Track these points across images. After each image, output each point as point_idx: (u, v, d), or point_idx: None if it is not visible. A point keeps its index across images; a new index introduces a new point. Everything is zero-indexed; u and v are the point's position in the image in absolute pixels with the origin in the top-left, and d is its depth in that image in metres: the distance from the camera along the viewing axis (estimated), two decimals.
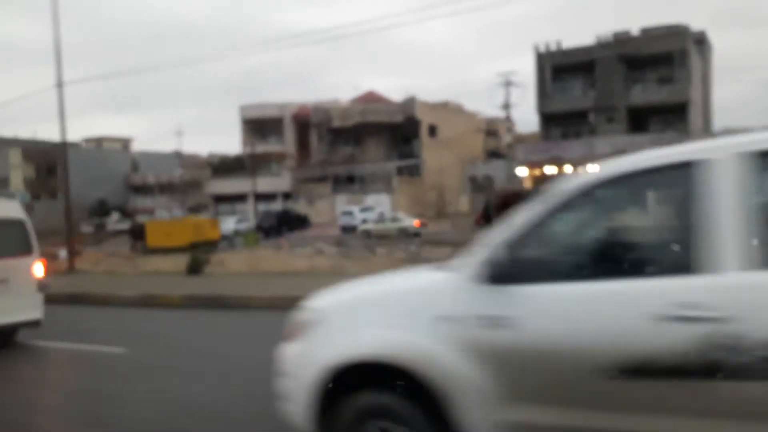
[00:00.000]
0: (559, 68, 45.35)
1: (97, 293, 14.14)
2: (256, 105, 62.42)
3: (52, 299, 10.10)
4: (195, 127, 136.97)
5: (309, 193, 54.98)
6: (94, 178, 65.60)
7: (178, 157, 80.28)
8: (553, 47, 45.91)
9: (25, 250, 9.39)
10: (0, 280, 8.80)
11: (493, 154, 61.24)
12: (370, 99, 60.23)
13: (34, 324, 9.19)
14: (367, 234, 35.37)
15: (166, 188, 69.21)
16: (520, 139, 63.99)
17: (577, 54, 45.07)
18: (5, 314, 8.75)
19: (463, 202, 53.46)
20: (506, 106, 46.54)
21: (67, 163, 23.37)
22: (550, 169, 41.24)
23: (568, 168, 40.52)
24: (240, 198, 57.34)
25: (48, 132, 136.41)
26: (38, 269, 9.50)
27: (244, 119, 63.01)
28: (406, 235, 36.77)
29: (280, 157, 61.62)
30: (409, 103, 53.53)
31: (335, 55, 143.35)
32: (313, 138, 60.41)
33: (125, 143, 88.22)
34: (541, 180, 41.11)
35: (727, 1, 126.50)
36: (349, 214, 43.72)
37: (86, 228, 52.59)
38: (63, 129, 21.72)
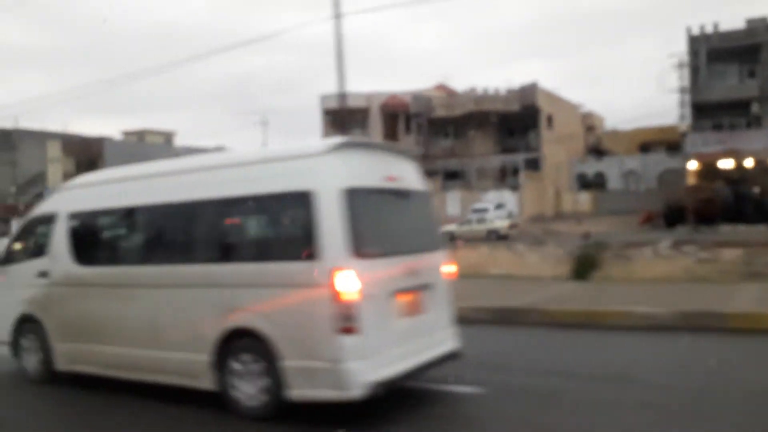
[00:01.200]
0: (715, 53, 41.16)
1: None
2: (339, 94, 57.57)
3: None
4: (231, 123, 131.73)
5: None
6: None
7: (221, 152, 75.14)
8: (709, 30, 41.67)
9: (438, 239, 6.68)
10: (424, 287, 5.96)
11: (595, 151, 57.04)
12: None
13: (451, 358, 6.18)
14: (451, 236, 30.21)
15: None
16: (615, 135, 59.84)
17: (735, 37, 40.90)
18: (433, 343, 5.93)
19: (582, 201, 49.17)
20: (681, 90, 42.01)
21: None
22: (725, 163, 36.94)
23: (748, 161, 36.29)
24: None
25: (81, 126, 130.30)
26: (449, 269, 6.47)
27: (325, 110, 58.12)
28: (497, 237, 32.75)
29: None
30: (529, 90, 48.99)
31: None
32: (402, 130, 55.79)
33: (168, 137, 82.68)
34: (715, 175, 36.84)
35: None
36: (483, 211, 38.96)
37: None
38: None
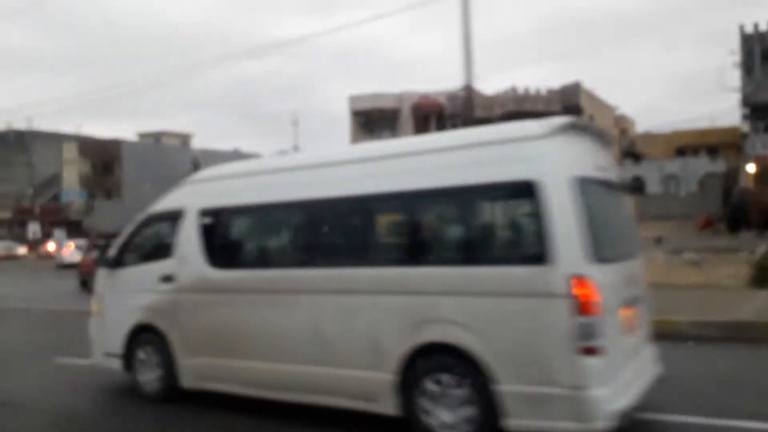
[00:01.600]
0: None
1: None
2: (369, 95, 56.16)
3: None
4: (245, 126, 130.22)
5: None
6: (153, 176, 58.88)
7: (238, 155, 73.63)
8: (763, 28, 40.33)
9: (638, 243, 5.94)
10: (638, 299, 5.18)
11: (630, 154, 55.64)
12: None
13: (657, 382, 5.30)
14: None
15: None
16: (649, 138, 58.48)
17: None
18: (645, 365, 5.16)
19: None
20: (736, 89, 40.58)
21: None
22: None
23: None
24: None
25: (94, 128, 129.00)
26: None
27: (354, 111, 56.78)
28: None
29: None
30: (573, 89, 47.60)
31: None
32: (434, 131, 54.36)
33: (185, 139, 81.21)
34: None
35: None
36: None
37: None
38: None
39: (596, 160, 5.08)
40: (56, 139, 72.68)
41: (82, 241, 35.70)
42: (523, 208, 4.71)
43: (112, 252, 7.12)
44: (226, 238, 6.35)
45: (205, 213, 6.28)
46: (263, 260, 6.20)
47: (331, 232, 5.69)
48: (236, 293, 5.93)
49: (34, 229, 62.78)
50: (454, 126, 52.94)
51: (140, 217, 7.08)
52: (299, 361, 5.44)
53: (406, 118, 55.62)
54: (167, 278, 6.39)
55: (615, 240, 5.15)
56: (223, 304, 5.99)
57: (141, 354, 6.60)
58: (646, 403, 4.92)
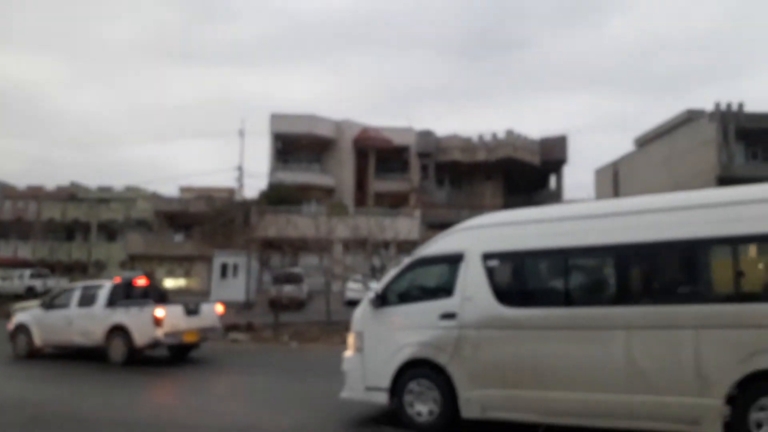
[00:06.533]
0: None
1: None
2: (298, 116, 45.73)
3: None
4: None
5: None
6: None
7: None
8: None
9: None
10: None
11: None
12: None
13: None
14: None
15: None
16: None
17: None
18: None
19: None
20: None
21: None
22: None
23: None
24: None
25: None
26: None
27: (275, 133, 45.62)
28: None
29: (322, 193, 46.09)
30: (557, 143, 45.07)
31: None
32: (372, 170, 46.74)
33: None
34: None
35: None
36: None
37: None
38: None
39: None
40: None
41: None
42: None
43: (377, 292, 7.42)
44: (519, 279, 6.85)
45: (489, 256, 6.81)
46: (566, 299, 6.44)
47: (639, 274, 6.31)
48: (533, 330, 6.36)
49: None
50: (424, 166, 46.32)
51: (407, 260, 7.58)
52: (613, 390, 5.89)
53: (346, 152, 46.61)
54: (448, 315, 6.79)
55: None
56: (520, 340, 6.38)
57: (415, 387, 6.92)
58: None
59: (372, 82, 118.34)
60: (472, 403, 6.50)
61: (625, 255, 6.11)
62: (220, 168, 73.28)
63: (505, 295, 6.54)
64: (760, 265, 5.73)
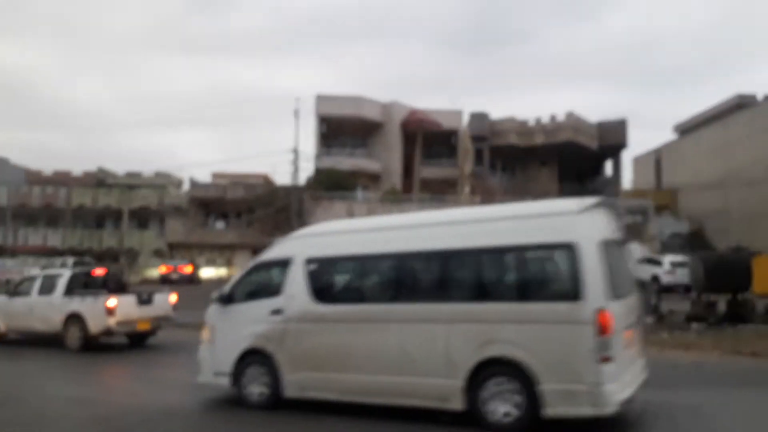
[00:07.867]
0: None
1: None
2: (333, 97, 43.55)
3: None
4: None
5: None
6: None
7: None
8: None
9: (633, 284, 7.87)
10: (633, 324, 7.13)
11: None
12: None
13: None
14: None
15: None
16: None
17: None
18: (637, 371, 7.08)
19: None
20: None
21: None
22: None
23: None
24: None
25: None
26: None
27: (321, 116, 43.48)
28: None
29: (368, 179, 44.07)
30: (617, 126, 43.14)
31: None
32: (419, 153, 44.66)
33: None
34: None
35: None
36: (656, 263, 31.36)
37: None
38: None
39: (612, 224, 7.01)
40: None
41: None
42: (564, 262, 6.42)
43: (224, 291, 8.43)
44: (329, 280, 7.96)
45: (309, 261, 7.90)
46: (359, 297, 7.72)
47: (413, 277, 7.38)
48: (336, 323, 7.50)
49: None
50: (478, 150, 44.36)
51: (250, 264, 8.65)
52: (389, 373, 7.05)
53: (394, 135, 44.56)
54: (276, 311, 7.89)
55: (620, 282, 6.62)
56: (325, 331, 7.53)
57: (249, 372, 7.98)
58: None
59: (369, 72, 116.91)
60: (293, 384, 7.63)
61: (400, 261, 7.37)
62: (261, 153, 71.70)
63: (319, 293, 7.67)
64: (492, 272, 6.95)
